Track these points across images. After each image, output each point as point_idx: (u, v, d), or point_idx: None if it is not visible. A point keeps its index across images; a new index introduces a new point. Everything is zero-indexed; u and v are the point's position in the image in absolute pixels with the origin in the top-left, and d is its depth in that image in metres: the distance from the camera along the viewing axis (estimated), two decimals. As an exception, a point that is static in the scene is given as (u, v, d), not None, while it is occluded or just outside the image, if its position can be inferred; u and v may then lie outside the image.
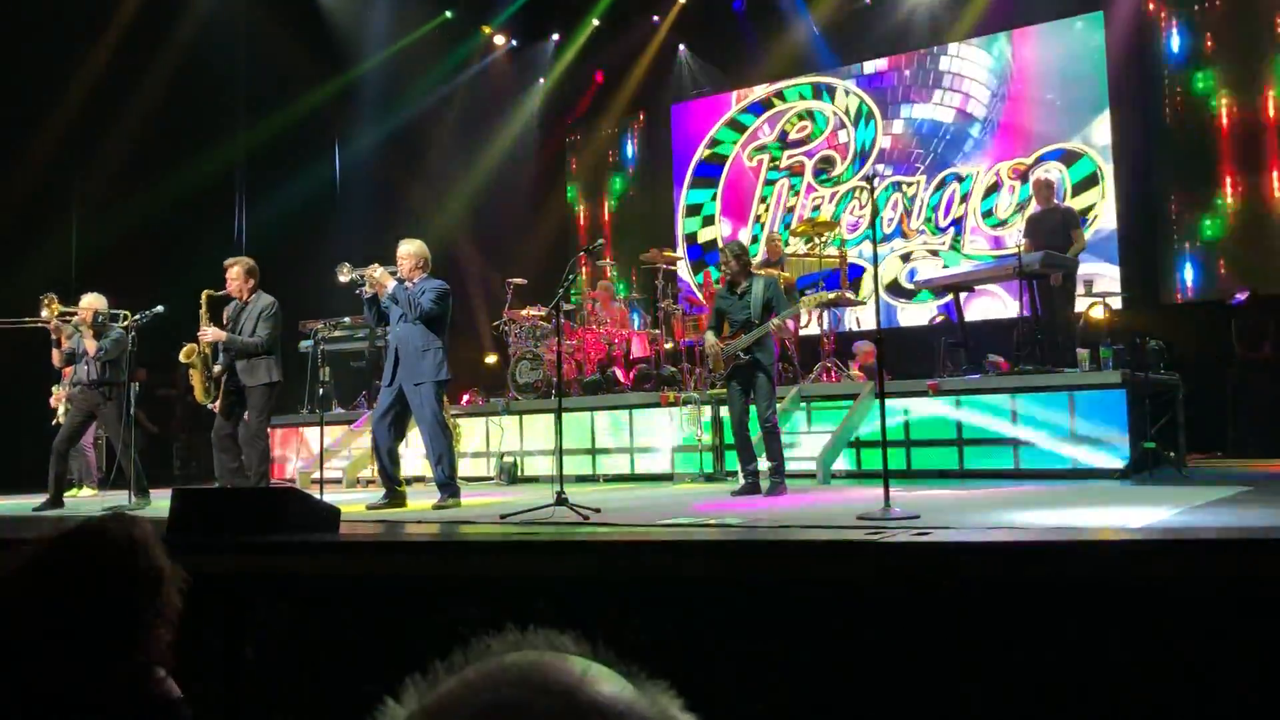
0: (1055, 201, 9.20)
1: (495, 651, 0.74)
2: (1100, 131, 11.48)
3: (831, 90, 13.30)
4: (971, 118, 12.28)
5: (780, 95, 13.70)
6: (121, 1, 11.58)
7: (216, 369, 7.33)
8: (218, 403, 7.33)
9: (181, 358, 7.45)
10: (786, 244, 10.81)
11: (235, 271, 7.37)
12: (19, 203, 10.82)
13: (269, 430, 7.45)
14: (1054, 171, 11.39)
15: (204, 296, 7.40)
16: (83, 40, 11.45)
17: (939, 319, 11.22)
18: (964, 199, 12.24)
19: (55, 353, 8.20)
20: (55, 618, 1.68)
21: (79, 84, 11.47)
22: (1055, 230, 8.58)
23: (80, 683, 1.69)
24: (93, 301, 7.90)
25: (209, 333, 7.27)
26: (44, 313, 7.96)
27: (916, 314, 12.31)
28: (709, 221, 14.16)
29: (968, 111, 12.31)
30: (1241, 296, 9.63)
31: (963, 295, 9.35)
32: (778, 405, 7.02)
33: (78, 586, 1.71)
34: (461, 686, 0.69)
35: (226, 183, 13.00)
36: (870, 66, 13.01)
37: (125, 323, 7.72)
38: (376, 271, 6.71)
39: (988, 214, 12.09)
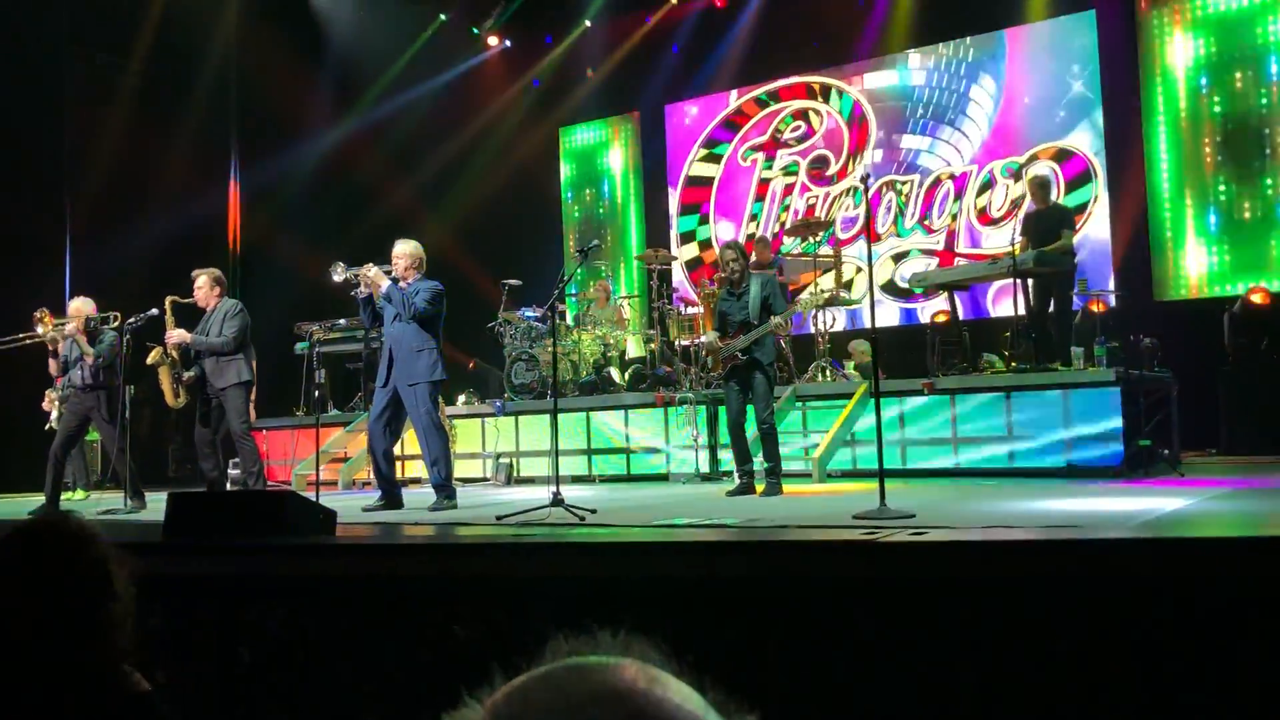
0: (1051, 200, 9.21)
1: (569, 653, 0.76)
2: (1093, 129, 11.50)
3: (828, 90, 13.30)
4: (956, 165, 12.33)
5: (775, 95, 13.70)
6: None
7: (188, 375, 7.34)
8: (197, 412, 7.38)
9: (149, 361, 7.47)
10: (785, 250, 10.82)
11: (202, 281, 7.40)
12: (12, 222, 10.82)
13: (252, 430, 7.45)
14: (1049, 169, 11.40)
15: (168, 302, 7.41)
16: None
17: (938, 317, 11.20)
18: (958, 198, 12.25)
19: (52, 363, 8.22)
20: (7, 621, 1.69)
21: (73, 94, 11.50)
22: (1051, 229, 8.59)
23: (45, 682, 1.69)
24: (81, 306, 7.89)
25: (174, 335, 7.30)
26: (39, 329, 7.96)
27: (895, 314, 12.33)
28: (703, 221, 14.16)
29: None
30: (1257, 298, 9.59)
31: (993, 291, 9.31)
32: (774, 404, 7.02)
33: (24, 587, 1.71)
34: (534, 684, 0.72)
35: (220, 186, 12.98)
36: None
37: (116, 323, 7.73)
38: (370, 271, 6.70)
39: (982, 213, 12.11)
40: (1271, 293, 9.67)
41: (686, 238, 14.23)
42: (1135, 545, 3.22)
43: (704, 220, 14.13)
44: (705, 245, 14.00)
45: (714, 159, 14.10)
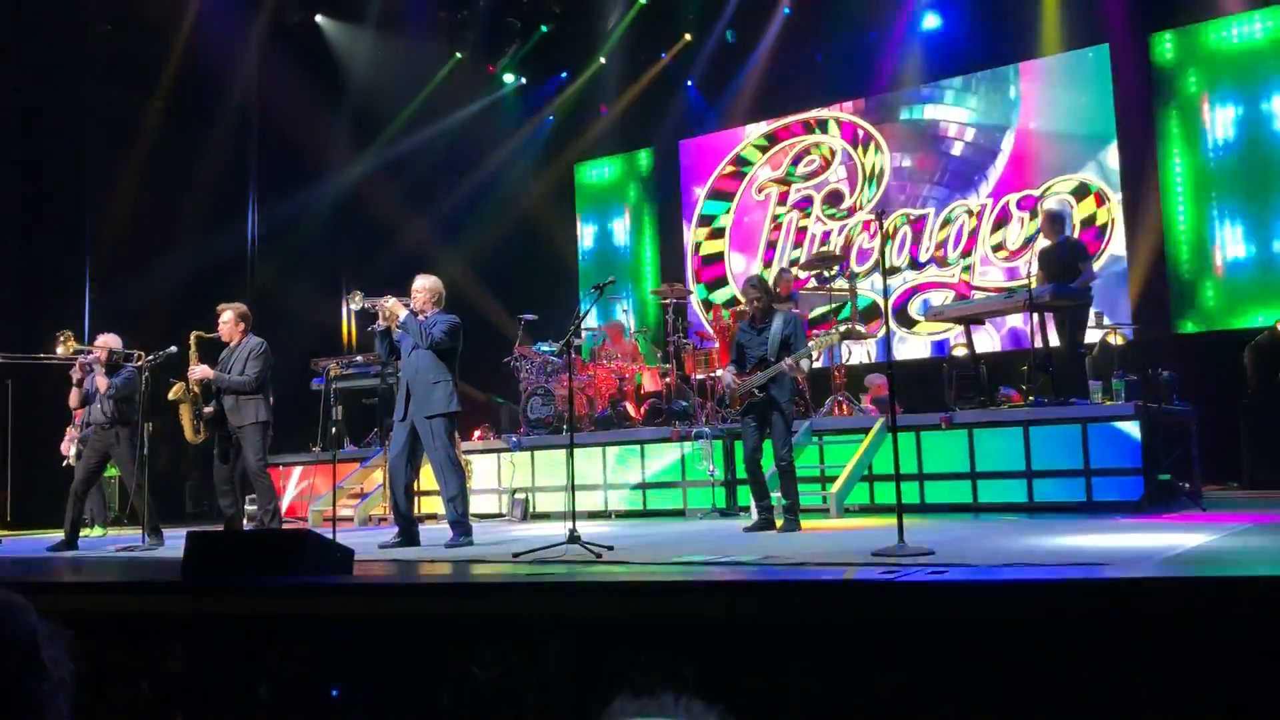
0: (1065, 234, 9.21)
1: (636, 713, 0.77)
2: (1109, 163, 11.51)
3: (841, 125, 13.36)
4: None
5: (789, 129, 13.77)
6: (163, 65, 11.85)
7: (208, 410, 7.38)
8: (215, 448, 7.40)
9: (171, 396, 7.51)
10: (796, 277, 10.83)
11: (227, 317, 7.46)
12: (34, 261, 10.94)
13: (268, 469, 7.49)
14: (1063, 203, 11.40)
15: (193, 337, 7.47)
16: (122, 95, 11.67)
17: (956, 350, 11.17)
18: (973, 231, 12.26)
19: (74, 392, 8.25)
20: None
21: (94, 133, 11.66)
22: (1065, 263, 8.57)
23: None
24: (107, 340, 7.98)
25: (197, 371, 7.35)
26: (59, 349, 8.01)
27: (926, 347, 12.32)
28: (718, 256, 14.20)
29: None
30: None
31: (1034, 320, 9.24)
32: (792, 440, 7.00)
33: None
34: None
35: (239, 223, 13.11)
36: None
37: (139, 363, 7.77)
38: (389, 301, 6.75)
39: (997, 246, 12.11)
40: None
41: (704, 268, 14.27)
42: (1159, 584, 3.19)
43: (719, 258, 14.18)
44: (717, 255, 14.04)
45: (728, 194, 14.16)
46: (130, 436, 7.68)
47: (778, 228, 13.69)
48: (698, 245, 14.37)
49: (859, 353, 12.05)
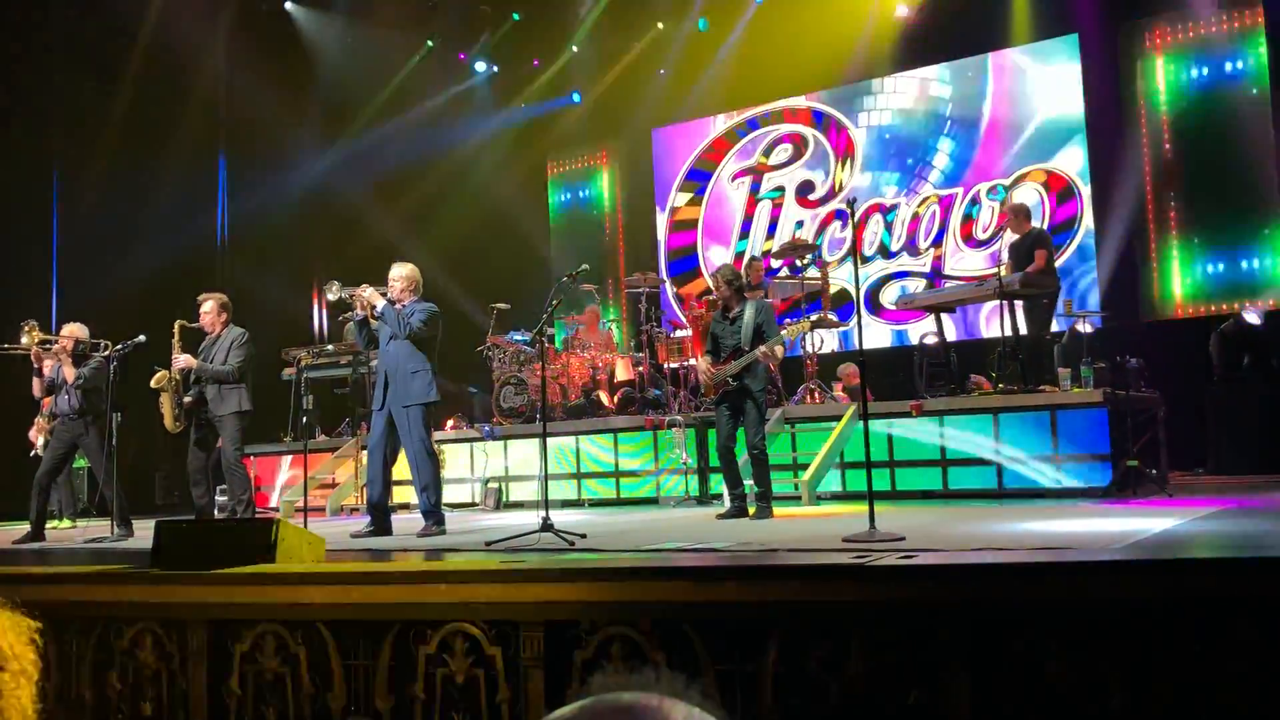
0: (1031, 226, 9.27)
1: (599, 692, 0.79)
2: (1078, 152, 11.59)
3: (813, 114, 13.39)
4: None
5: (761, 119, 13.78)
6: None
7: (188, 399, 7.34)
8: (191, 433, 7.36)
9: (153, 384, 7.46)
10: (770, 268, 10.87)
11: (209, 306, 7.42)
12: (2, 246, 10.78)
13: (244, 458, 7.47)
14: (1030, 194, 11.48)
15: (176, 326, 7.43)
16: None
17: (927, 338, 11.22)
18: (944, 220, 12.31)
19: (36, 381, 8.15)
20: None
21: (61, 122, 11.50)
22: (1032, 255, 8.63)
23: None
24: (74, 330, 7.89)
25: (181, 359, 7.32)
26: (24, 339, 7.91)
27: (900, 335, 12.38)
28: (691, 245, 14.20)
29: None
30: (1255, 318, 9.68)
31: (985, 311, 9.28)
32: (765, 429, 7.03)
33: None
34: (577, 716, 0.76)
35: (208, 213, 12.98)
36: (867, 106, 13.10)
37: (106, 352, 7.70)
38: (366, 291, 6.73)
39: (967, 235, 12.17)
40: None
41: (677, 257, 14.27)
42: (1125, 567, 3.23)
43: (692, 248, 14.18)
44: (690, 244, 14.06)
45: (701, 183, 14.16)
46: (99, 427, 7.62)
47: (749, 217, 13.71)
48: (670, 234, 14.37)
49: (830, 341, 12.09)
